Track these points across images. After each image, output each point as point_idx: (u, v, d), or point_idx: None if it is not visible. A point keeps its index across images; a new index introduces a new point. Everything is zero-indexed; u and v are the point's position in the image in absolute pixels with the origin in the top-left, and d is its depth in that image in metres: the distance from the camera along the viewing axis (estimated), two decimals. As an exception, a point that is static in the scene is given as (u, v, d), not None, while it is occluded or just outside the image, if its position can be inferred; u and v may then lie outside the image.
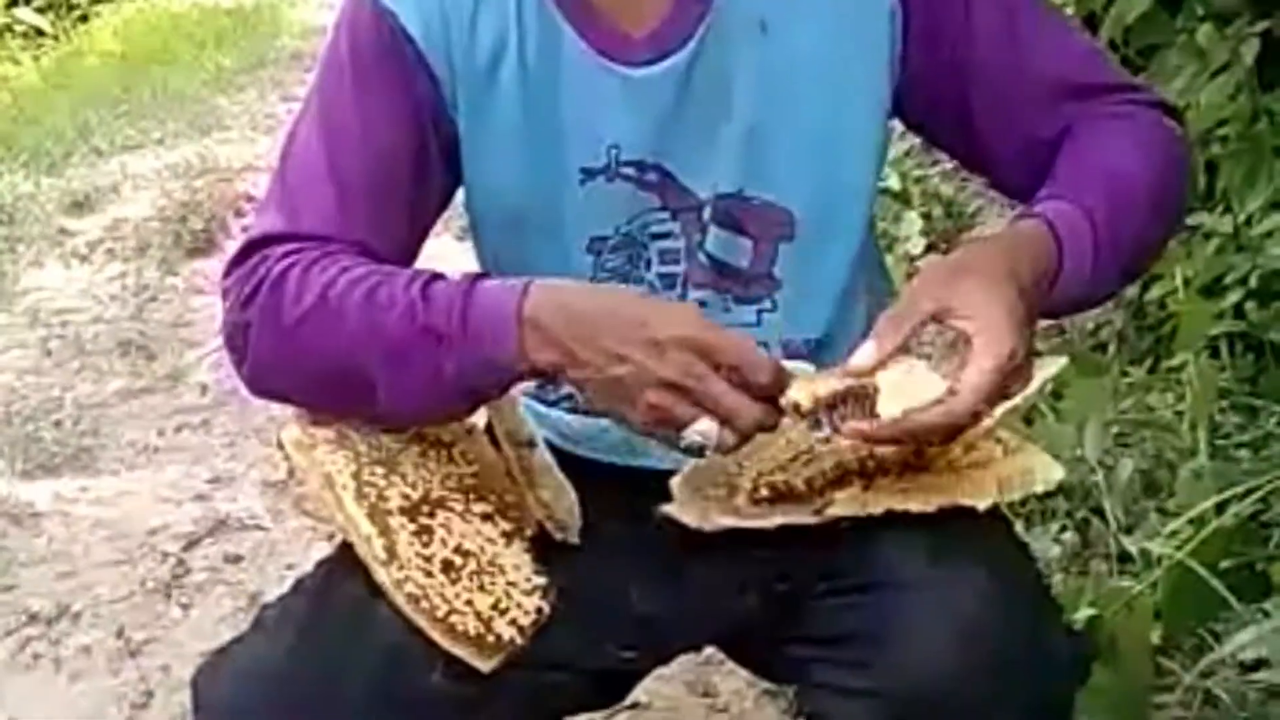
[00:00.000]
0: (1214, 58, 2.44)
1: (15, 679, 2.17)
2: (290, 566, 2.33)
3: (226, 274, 1.20)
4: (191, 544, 2.51)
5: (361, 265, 1.16)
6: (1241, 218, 2.35)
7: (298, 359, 1.17)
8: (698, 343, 1.06)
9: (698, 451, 1.08)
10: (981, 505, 1.15)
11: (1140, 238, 1.22)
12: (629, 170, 1.23)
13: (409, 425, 1.21)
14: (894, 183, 3.36)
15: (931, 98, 1.25)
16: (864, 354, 1.08)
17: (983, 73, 1.23)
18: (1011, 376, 1.08)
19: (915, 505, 1.14)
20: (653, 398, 1.07)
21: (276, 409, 2.77)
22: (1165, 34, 2.61)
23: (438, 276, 1.14)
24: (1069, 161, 1.22)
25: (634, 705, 1.90)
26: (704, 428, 1.06)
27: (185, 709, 1.21)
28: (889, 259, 3.13)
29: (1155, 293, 2.42)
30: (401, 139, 1.22)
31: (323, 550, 1.28)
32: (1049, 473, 1.20)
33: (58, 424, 3.06)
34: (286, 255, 1.17)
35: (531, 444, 1.25)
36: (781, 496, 1.19)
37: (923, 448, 1.17)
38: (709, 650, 1.49)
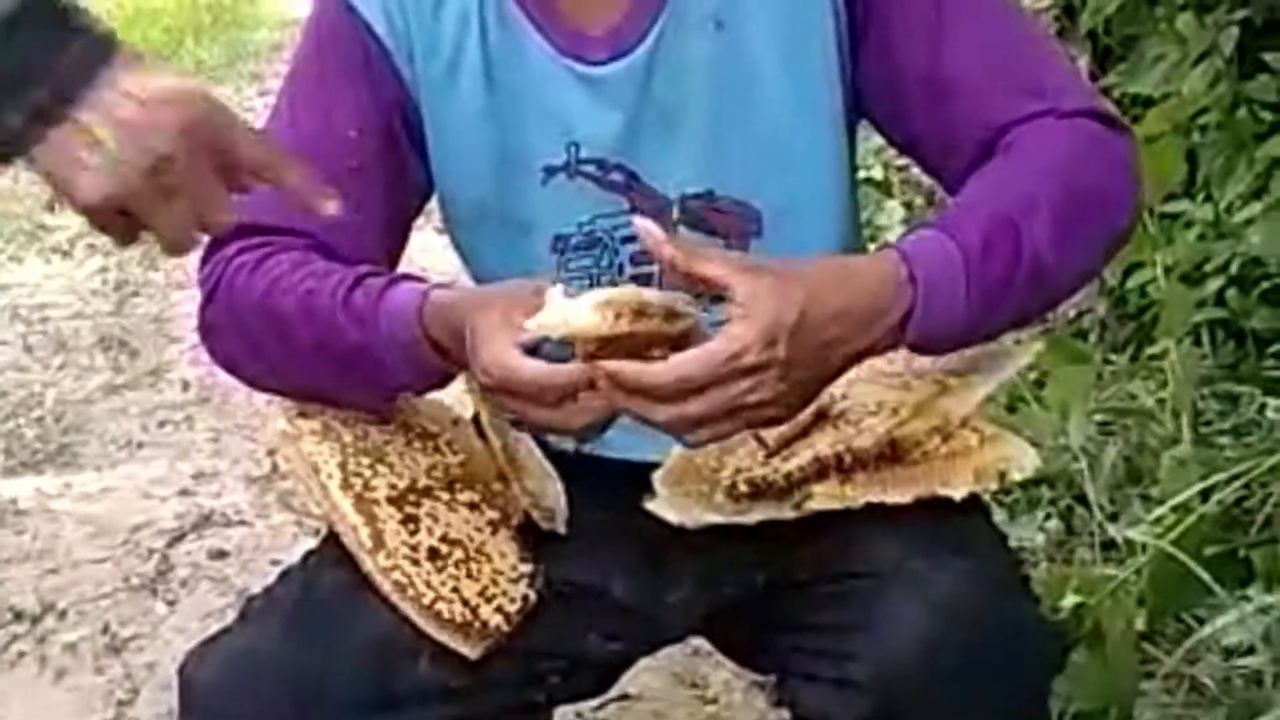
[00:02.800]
0: (1194, 46, 2.44)
1: (0, 677, 2.16)
2: (275, 561, 2.32)
3: (200, 267, 1.24)
4: (176, 540, 2.51)
5: (302, 267, 1.19)
6: (1222, 205, 2.36)
7: (251, 358, 1.23)
8: (502, 383, 1.06)
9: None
10: (958, 495, 1.16)
11: (1046, 269, 1.13)
12: (589, 168, 1.23)
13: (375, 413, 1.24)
14: (875, 172, 3.36)
15: (873, 97, 1.23)
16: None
17: (906, 74, 1.19)
18: (726, 377, 1.02)
19: (892, 497, 1.15)
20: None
21: (260, 404, 2.78)
22: (1145, 23, 2.62)
23: (362, 279, 1.17)
24: (972, 189, 1.16)
25: (624, 696, 1.91)
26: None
27: (172, 706, 1.21)
28: (871, 249, 3.13)
29: (1136, 280, 2.43)
30: (368, 131, 1.23)
31: (309, 544, 1.28)
32: (1025, 461, 1.20)
33: (39, 420, 3.05)
34: (240, 253, 1.21)
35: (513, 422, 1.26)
36: (761, 492, 1.19)
37: (895, 440, 1.17)
38: (698, 641, 1.49)
